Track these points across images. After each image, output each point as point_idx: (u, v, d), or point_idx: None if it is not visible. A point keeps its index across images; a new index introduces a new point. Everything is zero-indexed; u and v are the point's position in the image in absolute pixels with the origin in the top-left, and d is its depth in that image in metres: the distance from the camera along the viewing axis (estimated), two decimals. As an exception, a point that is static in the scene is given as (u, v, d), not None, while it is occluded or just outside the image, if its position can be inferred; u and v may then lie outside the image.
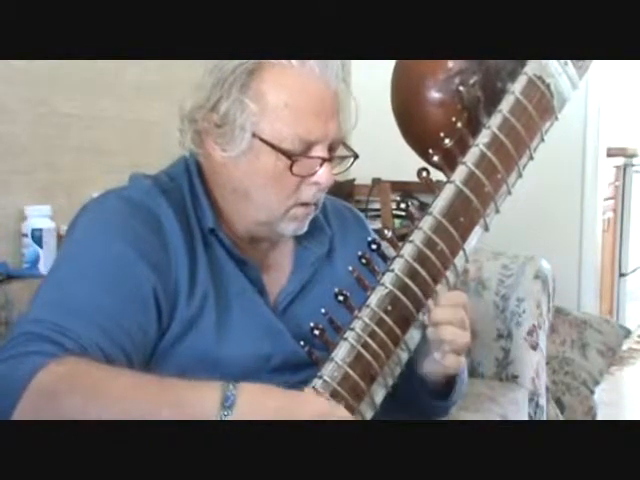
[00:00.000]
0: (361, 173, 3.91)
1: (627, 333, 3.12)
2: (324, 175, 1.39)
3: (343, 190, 3.66)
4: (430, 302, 1.28)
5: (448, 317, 1.29)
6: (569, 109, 1.33)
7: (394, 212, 3.70)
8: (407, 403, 1.38)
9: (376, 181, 3.83)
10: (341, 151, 1.45)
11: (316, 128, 1.37)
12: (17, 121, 2.48)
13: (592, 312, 4.09)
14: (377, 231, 1.33)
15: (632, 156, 5.35)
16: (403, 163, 2.96)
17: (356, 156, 1.46)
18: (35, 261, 2.39)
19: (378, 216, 3.77)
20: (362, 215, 1.69)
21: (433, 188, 1.30)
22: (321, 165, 1.38)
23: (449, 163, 1.29)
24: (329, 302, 1.30)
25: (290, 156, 1.36)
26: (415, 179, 1.28)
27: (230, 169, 1.41)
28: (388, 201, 3.70)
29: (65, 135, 2.63)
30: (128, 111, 2.83)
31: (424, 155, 1.32)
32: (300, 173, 1.37)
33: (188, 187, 1.45)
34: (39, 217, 2.42)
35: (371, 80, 4.06)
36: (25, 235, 2.42)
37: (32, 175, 2.52)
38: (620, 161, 5.19)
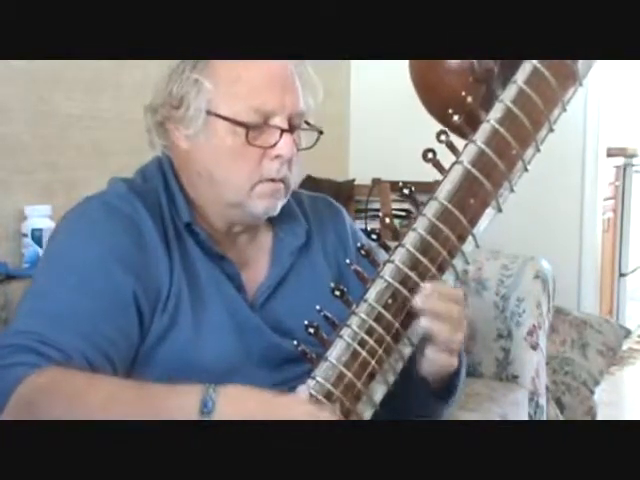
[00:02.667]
0: (361, 173, 3.92)
1: (627, 333, 3.12)
2: (285, 147, 1.38)
3: (343, 190, 3.66)
4: (426, 286, 1.21)
5: (441, 309, 1.23)
6: (569, 109, 1.31)
7: (394, 212, 3.70)
8: (406, 402, 1.37)
9: (376, 181, 3.83)
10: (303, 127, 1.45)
11: (271, 99, 1.38)
12: (17, 121, 2.48)
13: (592, 312, 4.09)
14: (368, 232, 1.29)
15: (632, 156, 5.36)
16: (403, 163, 2.97)
17: (321, 132, 1.45)
18: (35, 261, 2.39)
19: (378, 216, 3.77)
20: (340, 207, 1.67)
21: (441, 169, 1.24)
22: (280, 136, 1.38)
23: (473, 125, 1.22)
24: (308, 296, 1.32)
25: (247, 127, 1.37)
26: (415, 179, 1.27)
27: (193, 154, 1.42)
28: (388, 201, 3.69)
29: (65, 135, 2.63)
30: (128, 111, 2.83)
31: (444, 121, 1.25)
32: (259, 144, 1.38)
33: (163, 186, 1.45)
34: (39, 217, 2.43)
35: (371, 80, 4.08)
36: (25, 235, 2.42)
37: (32, 175, 2.52)
38: (620, 161, 5.19)
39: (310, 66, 1.45)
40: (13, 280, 2.15)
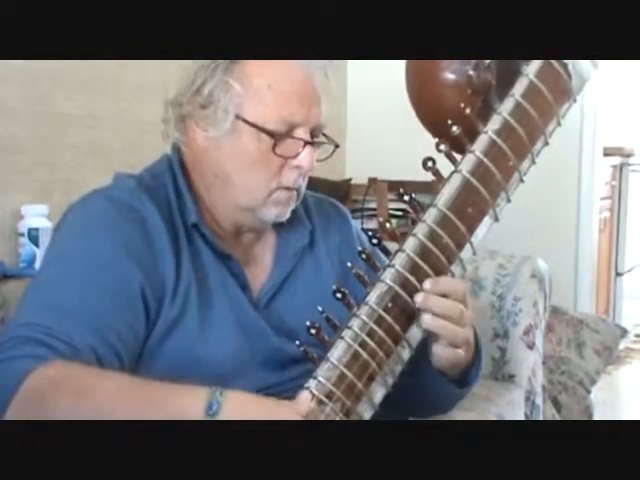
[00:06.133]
0: (357, 173, 3.92)
1: (623, 332, 3.12)
2: (306, 158, 1.40)
3: (339, 190, 3.66)
4: (425, 283, 1.23)
5: (442, 307, 1.25)
6: (570, 109, 1.32)
7: (391, 212, 3.70)
8: (424, 390, 1.39)
9: (372, 181, 3.83)
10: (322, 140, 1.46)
11: (298, 111, 1.38)
12: (15, 120, 2.48)
13: (588, 311, 4.10)
14: (369, 237, 1.31)
15: (628, 155, 5.36)
16: (399, 163, 2.97)
17: (337, 145, 1.47)
18: (31, 260, 2.39)
19: (374, 216, 3.77)
20: (346, 210, 1.68)
21: (440, 178, 1.26)
22: (303, 148, 1.39)
23: (469, 137, 1.26)
24: (311, 296, 1.34)
25: (273, 136, 1.37)
26: (412, 178, 1.27)
27: (212, 153, 1.42)
28: (385, 201, 3.69)
29: (63, 134, 2.63)
30: (127, 111, 2.83)
31: (441, 135, 1.28)
32: (283, 154, 1.38)
33: (172, 184, 1.45)
34: (36, 216, 2.42)
35: (368, 80, 4.08)
36: (22, 234, 2.42)
37: (29, 174, 2.52)
38: (616, 160, 5.19)
39: (332, 76, 1.46)
40: (10, 279, 2.15)
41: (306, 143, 1.40)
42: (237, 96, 1.38)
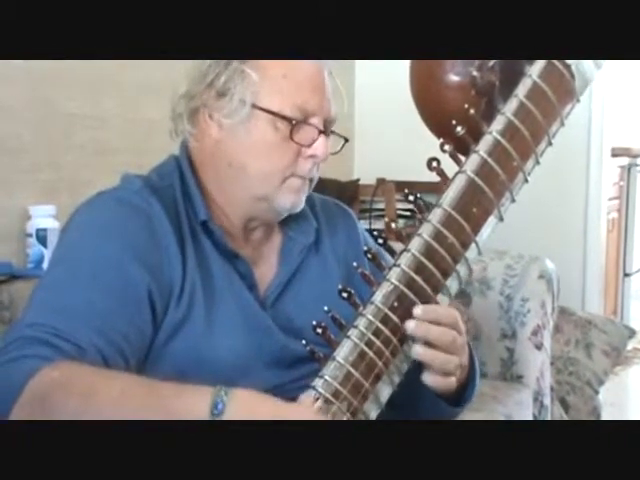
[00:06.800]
0: (365, 173, 3.92)
1: (631, 333, 3.12)
2: (321, 147, 1.40)
3: (347, 190, 3.66)
4: (417, 310, 1.23)
5: (434, 335, 1.25)
6: (573, 109, 1.32)
7: (398, 212, 3.70)
8: (416, 407, 1.38)
9: (380, 181, 3.83)
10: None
11: (312, 99, 1.40)
12: (20, 121, 2.49)
13: (596, 312, 4.09)
14: (375, 237, 1.31)
15: (636, 156, 5.36)
16: (407, 163, 2.96)
17: (346, 140, 1.48)
18: (39, 261, 2.40)
19: (382, 216, 3.77)
20: (351, 211, 1.68)
21: (445, 178, 1.27)
22: (318, 136, 1.40)
23: (474, 137, 1.27)
24: (317, 294, 1.34)
25: (290, 121, 1.38)
26: (419, 179, 1.27)
27: (226, 144, 1.42)
28: (392, 201, 3.69)
29: (68, 135, 2.64)
30: (131, 110, 2.84)
31: (444, 138, 1.28)
32: (300, 141, 1.39)
33: (179, 183, 1.45)
34: (43, 217, 2.43)
35: (375, 81, 4.08)
36: (29, 235, 2.43)
37: (36, 175, 2.53)
38: (624, 161, 5.19)
39: (338, 76, 1.47)
40: (17, 280, 2.16)
41: (320, 132, 1.40)
42: (253, 84, 1.38)
